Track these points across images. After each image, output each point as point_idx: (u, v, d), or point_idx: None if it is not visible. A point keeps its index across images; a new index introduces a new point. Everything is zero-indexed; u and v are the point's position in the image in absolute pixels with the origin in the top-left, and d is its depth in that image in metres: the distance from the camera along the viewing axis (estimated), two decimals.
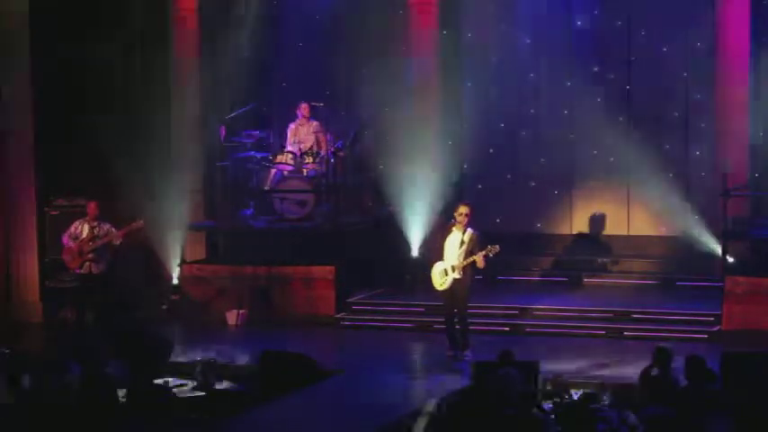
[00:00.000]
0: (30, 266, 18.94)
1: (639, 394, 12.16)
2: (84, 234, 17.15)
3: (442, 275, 15.26)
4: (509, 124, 20.38)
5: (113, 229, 17.21)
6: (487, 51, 20.26)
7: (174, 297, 18.89)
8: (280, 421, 12.76)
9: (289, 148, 19.58)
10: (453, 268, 15.15)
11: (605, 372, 14.76)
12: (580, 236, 20.12)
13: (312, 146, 19.55)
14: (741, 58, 18.12)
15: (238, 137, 19.75)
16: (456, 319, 15.47)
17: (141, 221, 17.39)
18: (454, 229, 15.20)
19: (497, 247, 15.01)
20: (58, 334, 17.85)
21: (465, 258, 15.08)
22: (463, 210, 15.16)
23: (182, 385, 14.56)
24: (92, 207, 17.29)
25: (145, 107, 18.87)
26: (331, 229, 18.85)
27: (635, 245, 19.78)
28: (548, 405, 12.50)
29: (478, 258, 15.01)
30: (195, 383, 14.61)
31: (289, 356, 14.54)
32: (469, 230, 15.18)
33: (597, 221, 20.05)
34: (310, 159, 19.39)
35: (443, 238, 15.37)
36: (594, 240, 20.01)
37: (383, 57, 19.61)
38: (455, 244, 15.17)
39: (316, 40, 20.43)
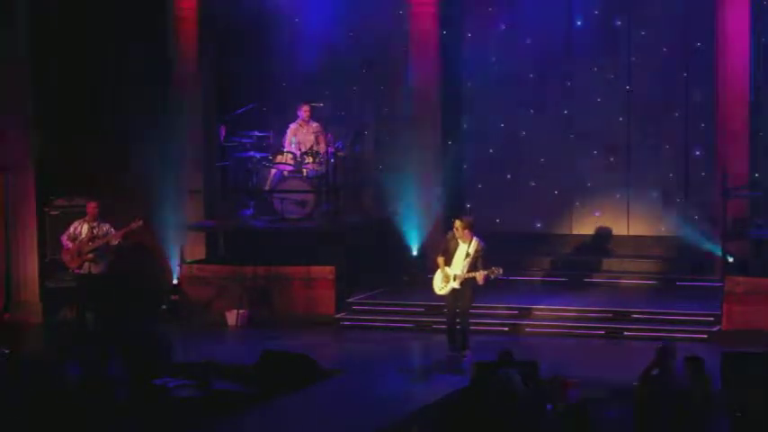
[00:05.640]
0: (30, 266, 18.92)
1: (639, 394, 12.14)
2: (84, 234, 17.13)
3: (443, 282, 15.30)
4: (509, 124, 20.36)
5: (113, 230, 17.19)
6: (487, 51, 20.26)
7: (174, 297, 18.88)
8: (280, 421, 12.76)
9: (289, 148, 19.58)
10: (455, 278, 15.17)
11: (605, 372, 14.75)
12: (580, 236, 20.11)
13: (312, 146, 19.55)
14: (741, 58, 18.10)
15: (238, 137, 19.74)
16: (457, 319, 15.47)
17: (141, 221, 17.37)
18: (460, 240, 15.19)
19: (501, 270, 15.07)
20: (58, 334, 17.84)
21: (468, 270, 15.09)
22: (458, 225, 15.19)
23: (182, 385, 14.53)
24: (91, 207, 17.27)
25: (145, 107, 18.84)
26: (331, 229, 18.84)
27: (635, 245, 19.77)
28: (548, 405, 12.48)
29: (479, 276, 15.02)
30: (195, 383, 14.59)
31: (289, 356, 14.54)
32: (475, 241, 15.18)
33: (597, 221, 20.03)
34: (310, 159, 19.37)
35: (445, 245, 15.38)
36: (594, 240, 20.00)
37: (382, 57, 19.62)
38: (461, 254, 15.18)
39: (316, 40, 20.40)
